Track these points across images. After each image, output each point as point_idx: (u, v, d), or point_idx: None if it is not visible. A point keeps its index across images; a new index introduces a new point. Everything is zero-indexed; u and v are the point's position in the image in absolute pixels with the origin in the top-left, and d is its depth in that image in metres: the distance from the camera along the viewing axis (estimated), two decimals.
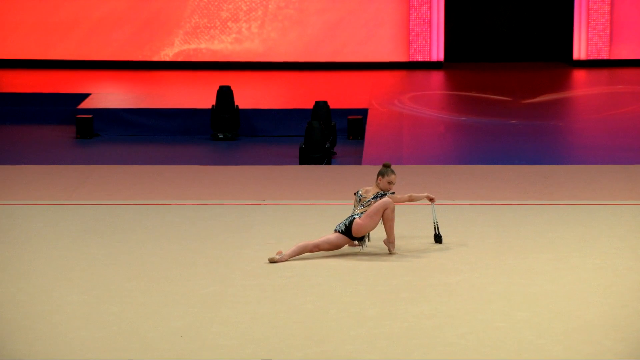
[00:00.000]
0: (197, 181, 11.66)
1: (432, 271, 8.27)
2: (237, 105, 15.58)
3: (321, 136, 13.90)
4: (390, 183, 8.90)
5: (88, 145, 15.04)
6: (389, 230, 8.69)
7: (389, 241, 8.72)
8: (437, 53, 19.37)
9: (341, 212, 10.15)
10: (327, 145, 14.06)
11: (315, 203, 10.52)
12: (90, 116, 15.50)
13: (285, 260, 8.50)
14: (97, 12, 19.21)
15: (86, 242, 9.08)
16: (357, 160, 13.92)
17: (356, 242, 8.76)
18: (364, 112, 15.73)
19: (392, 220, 8.70)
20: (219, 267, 8.38)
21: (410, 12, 19.27)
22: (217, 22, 19.40)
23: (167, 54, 19.34)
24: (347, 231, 8.68)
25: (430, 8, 19.25)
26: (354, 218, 8.70)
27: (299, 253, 8.59)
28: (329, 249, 8.68)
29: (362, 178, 11.79)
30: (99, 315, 7.27)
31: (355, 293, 7.76)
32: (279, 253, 8.52)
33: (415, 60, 19.35)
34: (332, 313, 7.33)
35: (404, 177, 11.84)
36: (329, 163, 13.82)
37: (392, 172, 8.90)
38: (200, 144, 15.20)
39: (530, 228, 9.51)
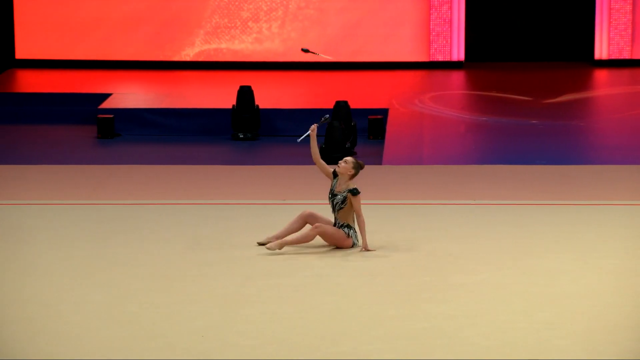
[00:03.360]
0: (218, 181, 11.67)
1: (452, 271, 8.25)
2: (257, 105, 15.59)
3: (341, 136, 13.89)
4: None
5: (109, 145, 15.08)
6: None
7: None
8: (458, 53, 19.33)
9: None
10: (348, 145, 14.05)
11: None
12: (112, 116, 15.54)
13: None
14: (118, 12, 19.27)
15: (107, 241, 9.10)
16: (377, 160, 13.90)
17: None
18: (384, 112, 15.70)
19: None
20: (240, 267, 8.39)
21: (431, 11, 19.24)
22: (238, 22, 19.42)
23: (188, 54, 19.38)
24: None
25: (450, 8, 19.21)
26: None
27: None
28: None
29: (382, 178, 11.78)
30: (119, 315, 7.29)
31: (375, 293, 7.75)
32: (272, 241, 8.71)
33: (435, 60, 19.32)
34: (352, 313, 7.33)
35: (423, 177, 11.83)
36: None
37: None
38: (220, 144, 15.22)
39: (551, 228, 9.48)
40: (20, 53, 19.19)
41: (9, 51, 19.16)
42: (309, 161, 13.81)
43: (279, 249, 8.68)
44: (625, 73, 19.06)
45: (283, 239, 8.74)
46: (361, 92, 17.23)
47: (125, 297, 7.65)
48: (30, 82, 18.28)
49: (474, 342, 6.80)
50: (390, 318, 7.21)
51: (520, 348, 6.71)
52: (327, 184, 11.58)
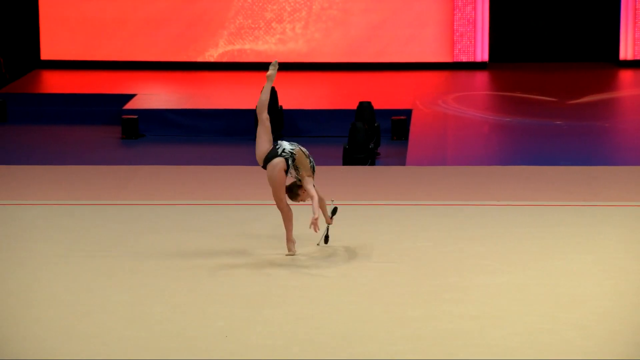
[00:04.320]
0: (241, 181, 11.70)
1: (476, 272, 8.24)
2: (281, 106, 15.61)
3: (365, 137, 13.90)
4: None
5: (133, 146, 15.13)
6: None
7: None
8: (482, 53, 19.30)
9: (385, 212, 10.14)
10: (371, 145, 14.06)
11: (359, 204, 10.52)
12: (136, 117, 15.60)
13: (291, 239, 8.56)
14: (142, 13, 19.34)
15: (130, 242, 9.14)
16: (401, 161, 13.90)
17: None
18: (407, 113, 15.70)
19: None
20: (263, 267, 8.40)
21: (455, 12, 19.21)
22: (262, 23, 19.45)
23: (212, 55, 19.43)
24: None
25: (474, 8, 19.18)
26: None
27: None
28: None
29: (406, 179, 11.78)
30: (143, 315, 7.32)
31: (398, 294, 7.75)
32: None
33: (459, 60, 19.29)
34: (375, 314, 7.33)
35: (447, 177, 11.81)
36: (372, 164, 13.81)
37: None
38: (244, 145, 15.25)
39: (575, 229, 9.45)
40: (46, 54, 19.30)
41: (34, 52, 19.27)
42: (333, 162, 13.84)
43: (293, 251, 8.67)
44: None
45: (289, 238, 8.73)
46: (384, 93, 17.23)
47: (149, 298, 7.68)
48: (55, 83, 18.37)
49: (497, 343, 6.79)
50: (414, 319, 7.21)
51: (544, 350, 6.69)
52: (347, 185, 11.58)
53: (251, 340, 6.86)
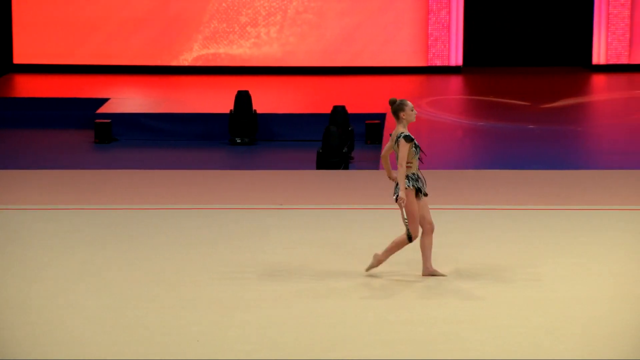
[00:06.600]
0: (215, 186, 11.68)
1: (451, 278, 8.24)
2: (255, 110, 15.61)
3: (339, 141, 13.90)
4: (413, 110, 8.82)
5: (106, 150, 15.09)
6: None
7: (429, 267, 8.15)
8: (456, 58, 19.35)
9: (359, 216, 10.15)
10: (345, 150, 14.06)
11: (332, 208, 10.52)
12: (109, 121, 15.55)
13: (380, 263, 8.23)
14: (117, 17, 19.29)
15: (104, 246, 9.10)
16: (374, 165, 13.92)
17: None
18: (382, 117, 15.72)
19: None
20: (235, 272, 8.38)
21: (429, 16, 19.25)
22: (236, 27, 19.44)
23: (186, 59, 19.40)
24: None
25: (449, 12, 19.23)
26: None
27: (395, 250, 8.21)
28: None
29: (380, 183, 11.79)
30: (116, 320, 7.28)
31: (374, 300, 7.74)
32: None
33: (433, 64, 19.34)
34: (357, 317, 7.33)
35: None
36: (346, 168, 13.82)
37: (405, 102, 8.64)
38: (218, 149, 15.23)
39: (547, 233, 9.48)
40: (18, 58, 19.21)
41: (7, 56, 19.18)
42: (306, 166, 13.84)
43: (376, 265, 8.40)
44: (623, 78, 19.08)
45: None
46: (359, 97, 17.24)
47: (122, 302, 7.65)
48: (28, 87, 18.29)
49: (473, 347, 6.80)
50: (391, 323, 7.21)
51: (515, 352, 6.72)
52: (321, 189, 11.58)
53: (224, 345, 6.85)
